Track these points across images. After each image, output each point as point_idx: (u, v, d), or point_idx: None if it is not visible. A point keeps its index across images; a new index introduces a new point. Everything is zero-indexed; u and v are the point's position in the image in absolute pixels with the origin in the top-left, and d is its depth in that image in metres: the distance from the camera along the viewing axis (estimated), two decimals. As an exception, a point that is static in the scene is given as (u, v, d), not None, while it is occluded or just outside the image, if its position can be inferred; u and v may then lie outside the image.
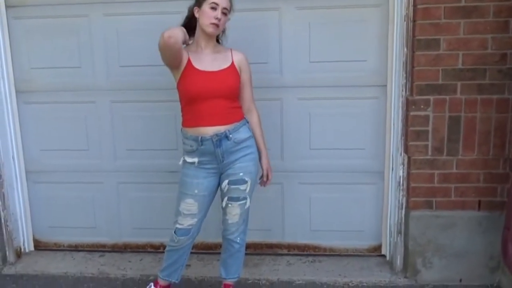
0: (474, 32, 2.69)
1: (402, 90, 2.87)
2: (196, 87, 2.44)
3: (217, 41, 2.59)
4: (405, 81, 2.85)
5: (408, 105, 2.84)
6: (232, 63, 2.52)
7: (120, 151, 3.31)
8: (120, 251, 3.43)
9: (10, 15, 3.16)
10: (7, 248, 3.26)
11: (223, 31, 2.58)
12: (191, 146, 2.51)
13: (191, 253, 3.28)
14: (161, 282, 2.76)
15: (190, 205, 2.56)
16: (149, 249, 3.41)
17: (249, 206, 2.62)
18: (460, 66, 2.74)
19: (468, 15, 2.67)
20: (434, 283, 2.97)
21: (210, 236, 3.24)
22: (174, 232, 2.62)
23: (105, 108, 3.25)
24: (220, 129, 2.47)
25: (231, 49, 2.57)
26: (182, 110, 2.56)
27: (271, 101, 3.14)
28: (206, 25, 2.43)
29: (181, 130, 2.58)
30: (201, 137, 2.47)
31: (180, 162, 2.59)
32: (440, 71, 2.75)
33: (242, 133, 2.53)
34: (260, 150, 2.64)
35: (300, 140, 3.19)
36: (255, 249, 3.31)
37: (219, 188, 2.62)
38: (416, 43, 2.74)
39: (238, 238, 2.67)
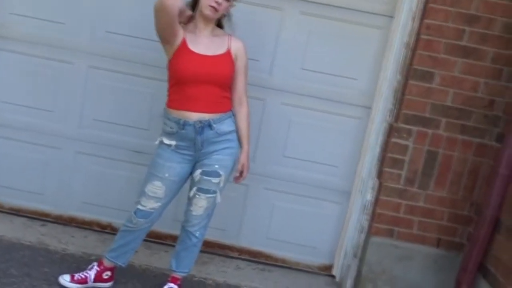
0: (469, 73, 2.72)
1: (388, 116, 2.87)
2: (187, 69, 2.34)
3: (219, 25, 2.49)
4: (392, 107, 2.85)
5: (391, 131, 2.83)
6: (229, 50, 2.43)
7: (87, 119, 3.11)
8: (64, 223, 3.21)
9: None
10: None
11: (228, 16, 2.48)
12: (171, 128, 2.39)
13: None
14: (106, 263, 2.60)
15: (157, 188, 2.43)
16: (95, 227, 3.22)
17: (217, 202, 2.52)
18: (449, 103, 2.76)
19: (466, 55, 2.70)
20: (380, 313, 2.96)
21: (164, 226, 3.09)
22: (134, 212, 2.48)
23: (81, 72, 3.06)
24: (205, 116, 2.37)
25: (230, 35, 2.48)
26: (168, 90, 2.44)
27: (254, 100, 3.01)
28: (204, 7, 2.34)
29: (164, 109, 2.46)
30: (184, 121, 2.36)
31: (157, 142, 2.47)
32: (429, 104, 2.77)
33: (226, 125, 2.44)
34: (242, 145, 2.54)
35: (275, 145, 3.11)
36: (206, 247, 3.17)
37: (190, 176, 2.51)
38: (412, 72, 2.75)
39: (198, 232, 2.56)
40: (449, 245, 2.89)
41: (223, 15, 2.48)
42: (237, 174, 2.59)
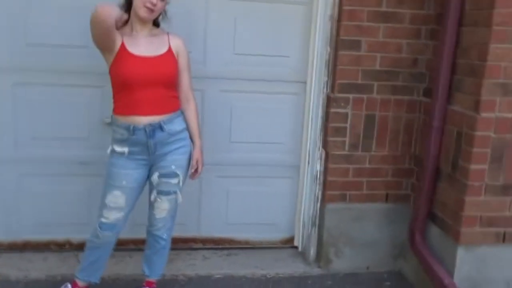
0: (392, 36, 2.89)
1: (323, 88, 2.99)
2: (130, 72, 2.30)
3: (156, 24, 2.46)
4: (326, 79, 2.97)
5: (329, 102, 2.96)
6: (169, 48, 2.41)
7: (23, 139, 2.98)
8: (19, 250, 3.09)
9: None
10: None
11: (164, 14, 2.45)
12: (121, 134, 2.36)
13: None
14: (80, 283, 2.57)
15: (117, 197, 2.40)
16: (52, 247, 3.13)
17: (178, 202, 2.55)
18: (377, 67, 2.93)
19: (387, 20, 2.86)
20: (345, 272, 3.14)
21: (123, 232, 3.04)
22: (99, 226, 2.44)
23: (6, 91, 2.91)
24: (155, 119, 2.36)
25: (168, 33, 2.46)
26: (114, 96, 2.40)
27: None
28: (138, 8, 2.29)
29: (111, 117, 2.42)
30: (133, 126, 2.33)
31: (108, 151, 2.43)
32: (360, 71, 2.92)
33: (177, 125, 2.44)
34: (194, 141, 2.56)
35: (220, 132, 3.16)
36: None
37: (147, 181, 2.50)
38: (340, 43, 2.87)
39: (165, 234, 2.58)
40: (396, 198, 3.11)
41: (163, 14, 2.44)
42: (192, 170, 2.61)
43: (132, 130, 2.34)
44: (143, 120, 2.34)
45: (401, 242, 3.14)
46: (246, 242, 3.34)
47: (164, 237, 2.58)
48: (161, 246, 2.59)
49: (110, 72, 2.35)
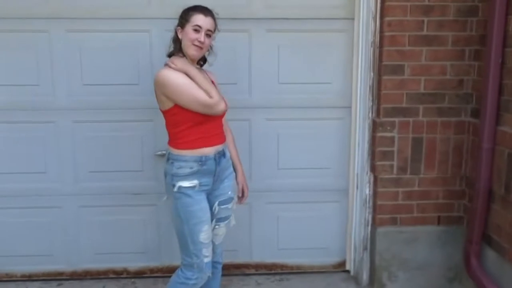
0: (435, 59, 2.90)
1: (369, 112, 3.02)
2: None
3: (203, 60, 2.56)
4: (371, 103, 3.00)
5: (375, 126, 2.99)
6: (213, 82, 2.52)
7: (81, 173, 3.15)
8: (79, 278, 3.25)
9: (-39, 28, 2.94)
10: (-47, 281, 2.99)
11: (210, 49, 2.52)
12: (190, 168, 2.37)
13: (157, 277, 3.23)
14: None
15: (208, 232, 2.43)
16: (111, 275, 3.27)
17: (231, 225, 2.64)
18: (422, 90, 2.93)
19: (429, 43, 2.87)
20: (399, 296, 3.12)
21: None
22: (204, 267, 2.43)
23: (66, 129, 3.10)
24: (219, 147, 2.47)
25: (204, 70, 2.56)
26: (179, 133, 2.39)
27: (239, 121, 3.15)
28: (188, 47, 2.38)
29: (172, 154, 2.41)
30: (205, 157, 2.40)
31: (175, 190, 2.38)
32: (405, 94, 2.93)
33: (227, 151, 2.57)
34: (236, 167, 2.65)
35: (268, 160, 3.23)
36: (223, 270, 3.26)
37: None
38: (383, 68, 2.90)
39: (221, 258, 2.66)
40: (449, 220, 3.08)
41: (210, 49, 2.52)
42: (240, 194, 2.69)
43: (204, 161, 2.39)
44: (212, 150, 2.42)
45: (456, 264, 3.09)
46: (298, 267, 3.36)
47: (220, 261, 2.65)
48: (218, 271, 2.66)
49: (175, 111, 2.36)
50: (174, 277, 2.51)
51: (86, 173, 3.15)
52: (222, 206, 2.53)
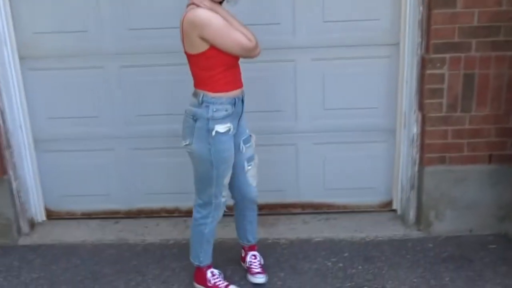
0: (490, -11, 2.74)
1: (417, 49, 2.91)
2: None
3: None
4: (420, 39, 2.89)
5: (424, 63, 2.89)
6: None
7: (131, 117, 3.26)
8: (134, 217, 3.43)
9: (9, -23, 3.02)
10: (20, 219, 3.21)
11: None
12: (226, 110, 2.38)
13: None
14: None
15: (230, 175, 2.52)
16: (163, 214, 3.43)
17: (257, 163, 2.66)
18: (475, 23, 2.79)
19: (485, -28, 2.71)
20: (446, 235, 3.10)
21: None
22: (220, 207, 2.56)
23: (113, 73, 3.18)
24: (243, 89, 2.48)
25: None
26: (214, 77, 2.37)
27: (284, 62, 3.14)
28: None
29: (211, 98, 2.39)
30: (237, 98, 2.42)
31: (213, 134, 2.38)
32: (456, 29, 2.80)
33: None
34: None
35: (314, 100, 3.21)
36: (270, 209, 3.37)
37: None
38: (432, 1, 2.77)
39: (257, 198, 2.70)
40: (501, 159, 2.99)
41: None
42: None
43: (235, 102, 2.41)
44: (239, 92, 2.44)
45: (507, 203, 3.04)
46: (345, 207, 3.40)
47: (257, 199, 2.70)
48: (255, 213, 2.74)
49: (211, 54, 2.32)
50: (193, 225, 2.62)
51: (135, 117, 3.25)
52: (246, 145, 2.55)
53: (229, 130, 2.40)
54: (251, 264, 2.80)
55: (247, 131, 2.58)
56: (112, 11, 3.07)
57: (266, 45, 3.06)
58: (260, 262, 2.82)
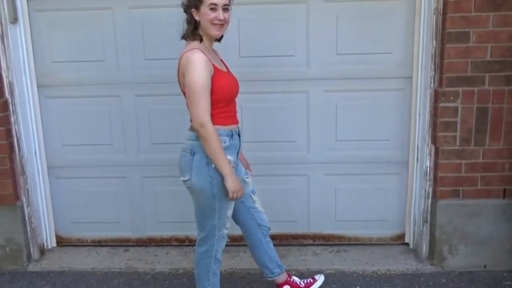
0: (503, 25, 2.76)
1: (430, 82, 2.93)
2: (230, 88, 2.40)
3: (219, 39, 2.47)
4: (433, 73, 2.91)
5: (437, 96, 2.90)
6: (223, 61, 2.50)
7: (145, 145, 3.29)
8: (144, 245, 3.42)
9: (31, 7, 3.09)
10: (31, 245, 3.22)
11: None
12: (224, 142, 2.37)
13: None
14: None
15: (233, 207, 2.52)
16: (174, 243, 3.41)
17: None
18: (488, 58, 2.81)
19: (497, 8, 2.73)
20: (460, 270, 3.05)
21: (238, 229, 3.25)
22: (224, 237, 2.54)
23: (129, 102, 3.23)
24: (239, 125, 2.51)
25: (215, 50, 2.50)
26: (215, 112, 2.36)
27: (297, 93, 3.17)
28: (207, 27, 2.31)
29: None
30: (233, 131, 2.44)
31: (213, 166, 2.33)
32: (470, 63, 2.82)
33: None
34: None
35: (326, 132, 3.22)
36: (281, 240, 3.34)
37: None
38: (446, 36, 2.80)
39: (268, 224, 2.71)
40: (515, 193, 2.97)
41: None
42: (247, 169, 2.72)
43: (233, 135, 2.42)
44: (235, 126, 2.46)
45: (522, 239, 3.00)
46: (356, 239, 3.37)
47: (269, 226, 2.71)
48: (268, 238, 2.73)
49: (215, 91, 2.31)
50: (197, 260, 2.58)
51: (149, 145, 3.28)
52: (247, 179, 2.58)
53: (230, 161, 2.38)
54: None
55: (243, 165, 2.63)
56: (128, 41, 3.14)
57: (280, 76, 3.16)
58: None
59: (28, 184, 3.17)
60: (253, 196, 2.63)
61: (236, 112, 2.49)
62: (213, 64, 2.32)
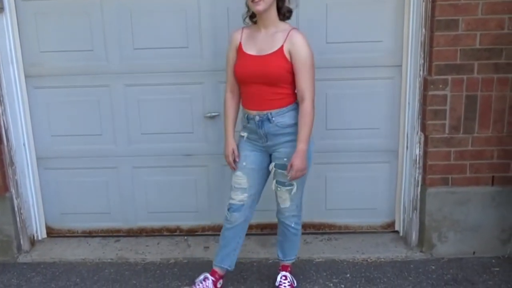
0: (492, 12, 2.76)
1: (420, 70, 2.94)
2: (239, 71, 2.47)
3: (284, 16, 2.46)
4: (422, 61, 2.91)
5: (426, 85, 2.90)
6: (282, 47, 2.38)
7: (135, 135, 3.27)
8: (135, 235, 3.41)
9: (17, -4, 3.07)
10: (21, 236, 3.20)
11: (283, 6, 2.44)
12: (243, 121, 2.58)
13: (209, 235, 3.33)
14: (217, 270, 2.73)
15: (239, 178, 2.56)
16: (165, 233, 3.41)
17: (296, 192, 2.59)
18: (477, 46, 2.81)
19: (486, -5, 2.74)
20: (449, 257, 3.08)
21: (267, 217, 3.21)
22: (228, 209, 2.61)
23: (119, 92, 3.20)
24: (262, 112, 2.46)
25: (290, 30, 2.41)
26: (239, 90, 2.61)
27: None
28: (250, 5, 2.39)
29: None
30: (247, 115, 2.52)
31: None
32: (459, 51, 2.82)
33: (288, 118, 2.47)
34: (297, 144, 2.43)
35: (316, 120, 3.11)
36: (272, 229, 3.34)
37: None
38: (435, 24, 2.80)
39: (293, 223, 2.68)
40: (504, 181, 2.99)
41: (278, 3, 2.41)
42: (286, 172, 2.47)
43: (247, 119, 2.52)
44: (253, 112, 2.48)
45: (510, 226, 3.02)
46: (346, 227, 3.38)
47: (292, 225, 2.67)
48: (291, 234, 2.70)
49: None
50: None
51: (139, 135, 3.26)
52: (279, 170, 2.53)
53: (243, 136, 2.61)
54: (280, 285, 2.78)
55: (285, 159, 2.48)
56: (117, 31, 3.11)
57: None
58: (292, 284, 2.80)
59: (17, 175, 3.15)
60: (275, 185, 2.59)
61: (251, 99, 2.49)
62: (240, 43, 2.45)
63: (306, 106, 2.41)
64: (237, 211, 2.59)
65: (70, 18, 3.09)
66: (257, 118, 2.47)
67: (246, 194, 2.57)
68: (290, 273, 2.83)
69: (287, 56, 2.39)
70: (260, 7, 2.33)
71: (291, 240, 2.73)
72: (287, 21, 2.51)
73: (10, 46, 3.08)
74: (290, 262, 2.82)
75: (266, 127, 2.48)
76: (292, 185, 2.54)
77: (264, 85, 2.42)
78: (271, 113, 2.46)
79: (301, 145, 2.42)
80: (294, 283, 2.81)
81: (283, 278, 2.79)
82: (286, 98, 2.46)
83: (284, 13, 2.46)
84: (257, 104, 2.47)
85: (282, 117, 2.46)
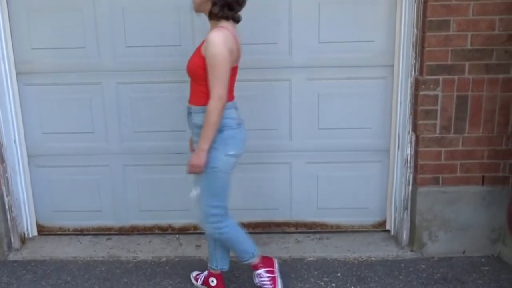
0: (483, 13, 2.78)
1: (411, 70, 2.95)
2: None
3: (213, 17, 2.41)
4: (414, 61, 2.93)
5: (418, 85, 2.92)
6: (200, 45, 2.40)
7: (127, 133, 3.26)
8: (127, 233, 3.41)
9: (9, -7, 3.05)
10: (11, 234, 3.18)
11: (214, 7, 2.34)
12: None
13: (201, 233, 3.32)
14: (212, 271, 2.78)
15: None
16: (156, 231, 3.41)
17: (200, 196, 2.51)
18: (468, 46, 2.83)
19: (477, -4, 2.76)
20: (439, 256, 3.10)
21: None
22: None
23: (111, 90, 3.19)
24: (189, 105, 2.51)
25: (213, 30, 2.34)
26: None
27: (280, 81, 3.17)
28: None
29: None
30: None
31: None
32: (450, 51, 2.84)
33: (199, 119, 2.42)
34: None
35: (308, 120, 3.23)
36: (264, 228, 3.36)
37: None
38: (427, 24, 2.81)
39: (211, 228, 2.56)
40: (494, 180, 3.01)
41: (208, 4, 2.35)
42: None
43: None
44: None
45: (500, 225, 3.04)
46: (338, 226, 3.39)
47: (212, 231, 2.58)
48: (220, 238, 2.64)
49: None
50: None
51: (131, 133, 3.26)
52: None
53: None
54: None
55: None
56: (109, 28, 3.10)
57: (262, 64, 3.16)
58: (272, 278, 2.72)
59: (8, 172, 3.13)
60: None
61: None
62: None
63: (208, 105, 2.33)
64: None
65: (62, 15, 3.08)
66: (187, 109, 2.52)
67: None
68: (262, 268, 2.69)
69: (203, 54, 2.35)
70: (194, 8, 2.43)
71: (228, 244, 2.66)
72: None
73: (1, 43, 3.06)
74: (249, 261, 2.68)
75: (189, 120, 2.53)
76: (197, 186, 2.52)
77: (191, 80, 2.48)
78: (191, 108, 2.49)
79: (200, 143, 2.37)
80: (262, 277, 2.68)
81: (258, 276, 2.68)
82: (205, 97, 2.37)
83: (215, 14, 2.37)
84: (189, 96, 2.50)
85: (196, 116, 2.45)
